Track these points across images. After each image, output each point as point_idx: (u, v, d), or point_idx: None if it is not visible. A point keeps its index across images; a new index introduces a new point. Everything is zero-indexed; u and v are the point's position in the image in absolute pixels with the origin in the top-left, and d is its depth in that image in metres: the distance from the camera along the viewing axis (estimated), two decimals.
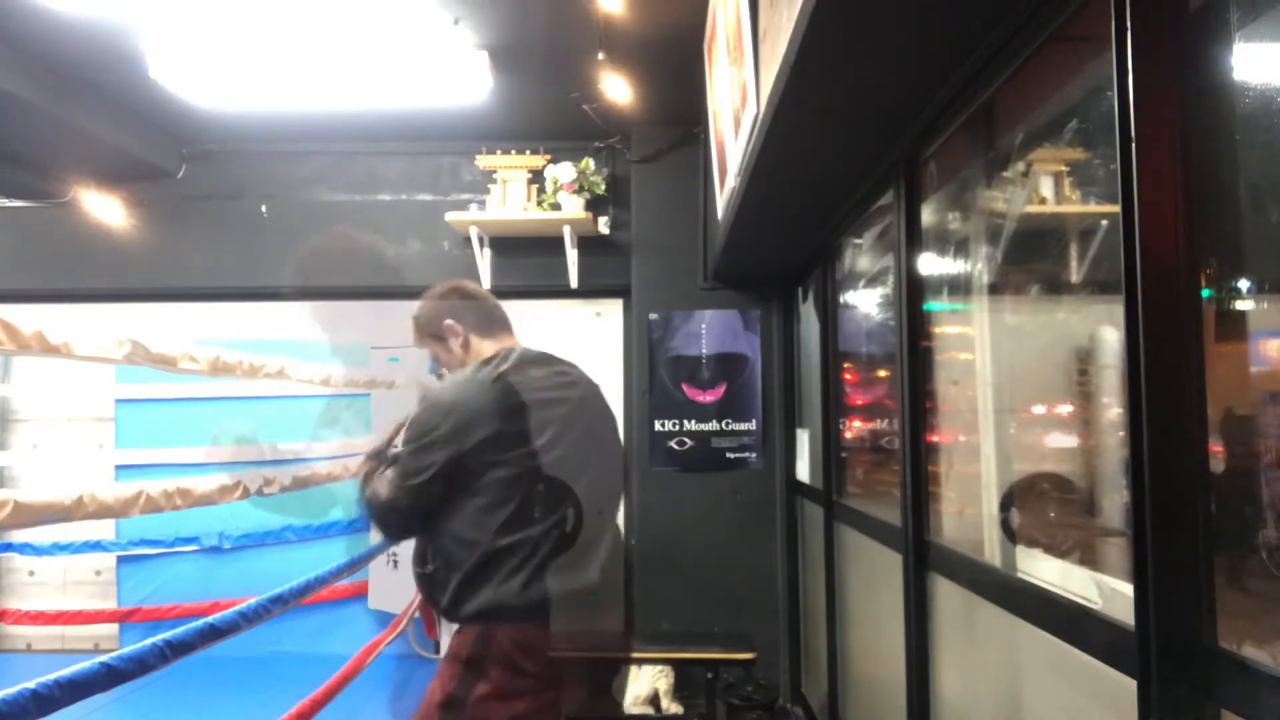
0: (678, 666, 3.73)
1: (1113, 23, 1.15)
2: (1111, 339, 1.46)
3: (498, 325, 2.09)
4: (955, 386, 2.12)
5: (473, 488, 1.82)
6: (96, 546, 4.44)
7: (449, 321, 2.06)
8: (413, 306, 2.10)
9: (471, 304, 2.10)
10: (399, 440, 1.96)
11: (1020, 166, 1.77)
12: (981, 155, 1.87)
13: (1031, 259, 1.81)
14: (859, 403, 3.09)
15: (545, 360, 2.01)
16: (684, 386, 4.13)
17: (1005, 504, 1.78)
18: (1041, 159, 1.73)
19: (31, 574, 4.73)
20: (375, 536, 4.13)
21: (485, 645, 1.80)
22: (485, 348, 2.04)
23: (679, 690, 3.79)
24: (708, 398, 4.12)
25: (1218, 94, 1.09)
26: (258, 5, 3.11)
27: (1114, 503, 1.46)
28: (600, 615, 2.05)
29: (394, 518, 1.90)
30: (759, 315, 4.15)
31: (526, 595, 1.85)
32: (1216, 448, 1.06)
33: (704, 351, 4.14)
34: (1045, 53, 1.48)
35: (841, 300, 3.21)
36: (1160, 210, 1.08)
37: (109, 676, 1.32)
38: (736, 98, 2.46)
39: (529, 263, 4.42)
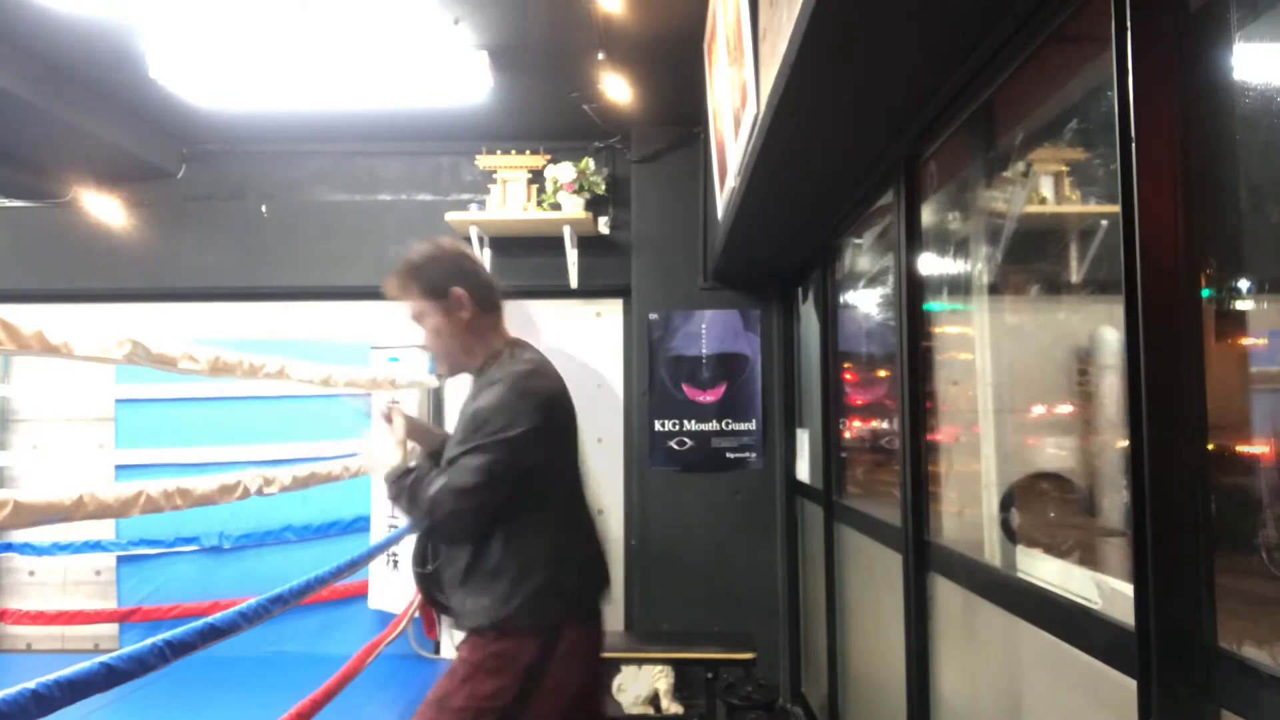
0: (678, 666, 3.73)
1: (1113, 23, 1.15)
2: (1111, 339, 1.46)
3: (498, 310, 1.93)
4: (955, 386, 2.12)
5: (538, 487, 1.80)
6: (96, 546, 4.44)
7: (460, 290, 1.84)
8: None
9: (479, 278, 1.91)
10: (453, 441, 1.81)
11: (1020, 166, 1.77)
12: (981, 155, 1.87)
13: (1031, 259, 1.80)
14: (859, 403, 3.09)
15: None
16: (684, 386, 4.13)
17: (1005, 504, 1.78)
18: (1041, 159, 1.72)
19: (31, 574, 4.73)
20: (376, 536, 4.14)
21: (553, 645, 1.76)
22: (495, 332, 1.90)
23: (679, 690, 3.79)
24: (708, 398, 4.12)
25: (1217, 94, 1.09)
26: (258, 5, 3.11)
27: (1114, 503, 1.46)
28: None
29: (459, 524, 1.75)
30: (759, 315, 4.15)
31: (594, 592, 1.88)
32: (1216, 448, 1.06)
33: (704, 351, 4.14)
34: (1045, 53, 1.48)
35: (841, 300, 3.21)
36: (1160, 210, 1.08)
37: (109, 676, 1.32)
38: (736, 98, 2.46)
39: (529, 263, 4.41)
